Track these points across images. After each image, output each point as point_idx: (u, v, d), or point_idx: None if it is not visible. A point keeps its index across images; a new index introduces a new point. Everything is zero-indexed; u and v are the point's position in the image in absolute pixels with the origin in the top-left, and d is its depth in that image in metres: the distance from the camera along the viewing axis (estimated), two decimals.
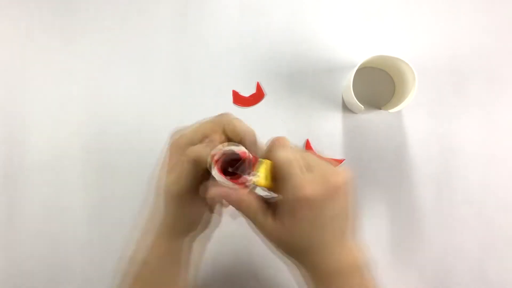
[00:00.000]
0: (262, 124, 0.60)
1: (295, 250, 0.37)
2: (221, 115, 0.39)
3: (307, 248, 0.36)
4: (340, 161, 0.60)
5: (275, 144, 0.37)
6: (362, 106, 0.54)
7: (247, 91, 0.61)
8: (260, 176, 0.35)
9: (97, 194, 0.61)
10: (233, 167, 0.35)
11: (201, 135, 0.37)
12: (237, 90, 0.61)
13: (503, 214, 0.59)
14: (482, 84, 0.60)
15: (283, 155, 0.35)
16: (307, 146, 0.60)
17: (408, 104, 0.53)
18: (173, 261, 0.41)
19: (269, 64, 0.61)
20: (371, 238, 0.59)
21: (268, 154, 0.37)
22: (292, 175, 0.34)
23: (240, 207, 0.36)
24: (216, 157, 0.34)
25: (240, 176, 0.35)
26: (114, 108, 0.61)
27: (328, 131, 0.60)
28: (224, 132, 0.37)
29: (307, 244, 0.36)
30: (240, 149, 0.35)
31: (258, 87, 0.61)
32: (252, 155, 0.35)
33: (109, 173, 0.61)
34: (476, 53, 0.60)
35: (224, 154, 0.34)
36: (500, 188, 0.59)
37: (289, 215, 0.35)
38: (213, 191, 0.35)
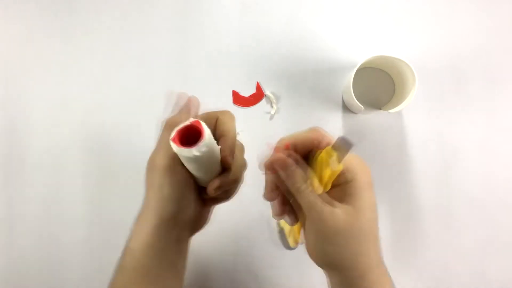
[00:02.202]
0: (262, 124, 0.61)
1: (351, 241, 0.36)
2: (220, 111, 0.39)
3: (364, 236, 0.36)
4: None
5: (324, 132, 0.38)
6: (362, 106, 0.54)
7: (247, 91, 0.61)
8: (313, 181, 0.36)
9: (97, 194, 0.61)
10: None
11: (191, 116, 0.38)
12: (237, 90, 0.61)
13: (503, 214, 0.59)
14: (482, 84, 0.60)
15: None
16: None
17: (408, 104, 0.53)
18: (162, 250, 0.38)
19: (269, 64, 0.61)
20: None
21: (320, 141, 0.38)
22: (358, 157, 0.37)
23: (296, 186, 0.36)
24: (174, 131, 0.34)
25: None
26: (114, 108, 0.61)
27: (328, 131, 0.60)
28: (214, 124, 0.38)
29: (368, 231, 0.36)
30: (191, 120, 0.34)
31: (258, 87, 0.61)
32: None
33: (109, 172, 0.61)
34: (476, 53, 0.60)
35: (181, 128, 0.34)
36: (500, 188, 0.59)
37: (357, 197, 0.35)
38: (270, 159, 0.36)
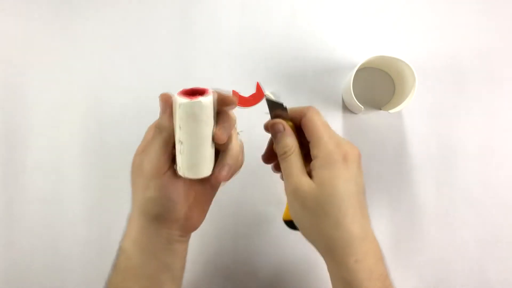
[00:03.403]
0: (262, 124, 0.61)
1: (321, 211, 0.36)
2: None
3: (333, 207, 0.35)
4: None
5: (312, 109, 0.40)
6: (362, 107, 0.54)
7: (247, 91, 0.61)
8: None
9: (97, 194, 0.61)
10: None
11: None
12: (237, 90, 0.61)
13: (503, 213, 0.59)
14: (482, 84, 0.60)
15: (320, 118, 0.39)
16: None
17: (408, 104, 0.53)
18: (151, 248, 0.38)
19: (269, 64, 0.61)
20: None
21: (302, 115, 0.39)
22: (329, 134, 0.38)
23: (288, 152, 0.38)
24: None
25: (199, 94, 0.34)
26: (114, 108, 0.61)
27: None
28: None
29: (336, 202, 0.35)
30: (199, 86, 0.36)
31: (258, 87, 0.61)
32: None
33: (109, 172, 0.61)
34: (476, 53, 0.60)
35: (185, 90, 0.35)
36: (500, 188, 0.59)
37: (325, 169, 0.36)
38: (271, 122, 0.40)
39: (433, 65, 0.60)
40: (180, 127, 0.34)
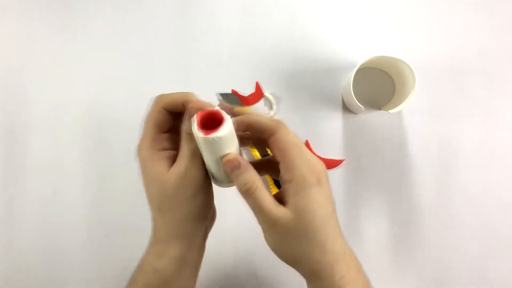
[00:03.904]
0: None
1: (303, 239, 0.36)
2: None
3: (315, 232, 0.35)
4: (340, 161, 0.60)
5: (282, 127, 0.36)
6: (362, 107, 0.54)
7: (246, 91, 0.61)
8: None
9: (97, 194, 0.61)
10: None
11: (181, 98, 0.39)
12: (237, 90, 0.61)
13: (503, 214, 0.59)
14: (482, 84, 0.60)
15: (291, 137, 0.36)
16: (307, 146, 0.60)
17: (408, 104, 0.53)
18: (184, 263, 0.39)
19: (269, 64, 0.61)
20: (371, 238, 0.59)
21: (271, 133, 0.36)
22: (301, 156, 0.35)
23: (250, 189, 0.36)
24: (195, 115, 0.35)
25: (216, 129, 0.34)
26: (114, 108, 0.61)
27: (328, 131, 0.60)
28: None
29: (317, 226, 0.35)
30: (214, 107, 0.35)
31: (257, 87, 0.61)
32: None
33: (109, 172, 0.61)
34: (476, 53, 0.60)
35: (201, 112, 0.35)
36: (500, 188, 0.59)
37: (301, 195, 0.35)
38: (227, 157, 0.36)
39: (433, 65, 0.60)
40: (202, 151, 0.36)
